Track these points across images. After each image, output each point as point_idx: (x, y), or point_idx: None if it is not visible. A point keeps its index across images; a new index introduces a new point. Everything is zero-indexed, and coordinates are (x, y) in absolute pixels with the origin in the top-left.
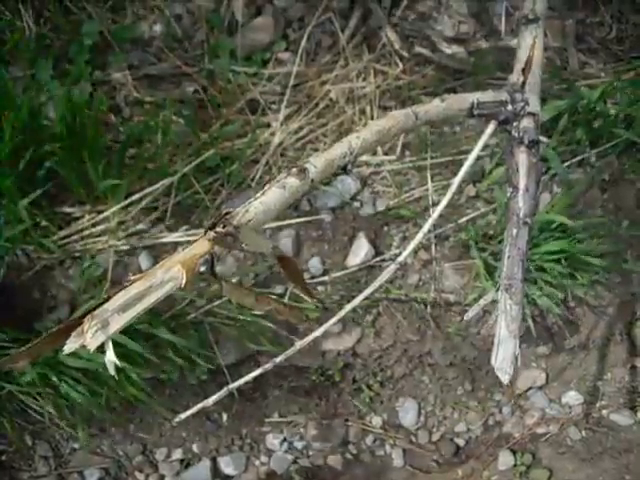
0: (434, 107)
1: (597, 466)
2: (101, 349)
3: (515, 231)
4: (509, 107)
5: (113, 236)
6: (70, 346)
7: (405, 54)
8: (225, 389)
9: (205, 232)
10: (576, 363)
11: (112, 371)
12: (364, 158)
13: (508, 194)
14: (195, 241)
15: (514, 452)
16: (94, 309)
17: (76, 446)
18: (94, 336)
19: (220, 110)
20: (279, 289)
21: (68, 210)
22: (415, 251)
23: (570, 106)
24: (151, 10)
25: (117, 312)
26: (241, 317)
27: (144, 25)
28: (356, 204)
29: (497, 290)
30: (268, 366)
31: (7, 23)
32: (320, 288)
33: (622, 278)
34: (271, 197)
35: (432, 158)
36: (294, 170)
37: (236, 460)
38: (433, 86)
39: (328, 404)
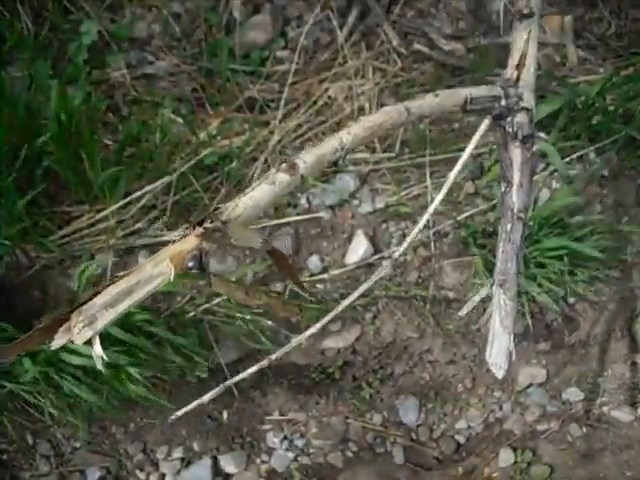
0: (427, 102)
1: (598, 462)
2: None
3: (509, 226)
4: (503, 102)
5: (112, 235)
6: (58, 341)
7: (403, 51)
8: (222, 386)
9: (193, 227)
10: (576, 360)
11: (100, 366)
12: (363, 155)
13: (502, 189)
14: (184, 236)
15: (515, 449)
16: (82, 304)
17: (77, 445)
18: (81, 331)
19: (218, 108)
20: (278, 287)
21: (67, 209)
22: (414, 248)
23: (569, 102)
24: (149, 9)
25: (105, 307)
26: (240, 315)
27: (142, 24)
28: (355, 202)
29: (491, 286)
30: (264, 363)
31: (6, 23)
32: (319, 286)
33: (622, 274)
34: (261, 193)
35: (431, 155)
36: (284, 165)
37: (237, 458)
38: (432, 83)
39: (328, 402)
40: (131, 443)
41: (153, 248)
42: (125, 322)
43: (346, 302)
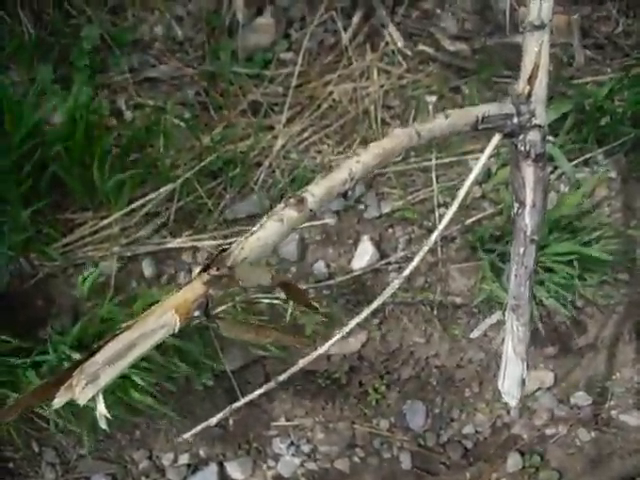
0: (438, 124)
1: (606, 467)
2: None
3: (522, 249)
4: (515, 120)
5: (116, 242)
6: (59, 400)
7: (409, 53)
8: (228, 409)
9: (199, 274)
10: (585, 364)
11: (104, 425)
12: None
13: (514, 210)
14: (188, 283)
15: (523, 454)
16: (84, 361)
17: (83, 452)
18: (84, 390)
19: (222, 112)
20: (284, 296)
21: (70, 216)
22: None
23: (576, 104)
24: (151, 12)
25: (107, 364)
26: (246, 322)
27: (144, 27)
28: (361, 207)
29: (503, 310)
30: (271, 384)
31: (6, 27)
32: (325, 292)
33: (631, 277)
34: (268, 232)
35: (437, 159)
36: (292, 201)
37: (243, 464)
38: (437, 84)
39: (335, 407)
40: (137, 450)
41: (157, 255)
42: None
43: (357, 319)
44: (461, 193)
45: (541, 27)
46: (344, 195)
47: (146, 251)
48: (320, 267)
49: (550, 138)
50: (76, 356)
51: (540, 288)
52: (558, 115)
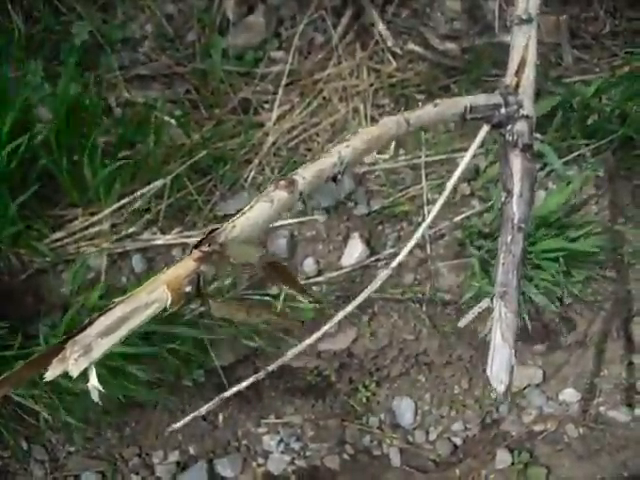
0: (426, 113)
1: (595, 463)
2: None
3: (509, 237)
4: (502, 110)
5: (106, 238)
6: (52, 373)
7: (398, 51)
8: (218, 398)
9: (190, 251)
10: (573, 360)
11: (96, 398)
12: None
13: (502, 199)
14: (180, 260)
15: (512, 450)
16: (76, 334)
17: (72, 450)
18: (77, 362)
19: (212, 110)
20: (274, 290)
21: (60, 213)
22: (410, 250)
23: (565, 102)
24: (142, 10)
25: (100, 336)
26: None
27: (135, 25)
28: (350, 204)
29: (492, 297)
30: (261, 374)
31: None
32: (315, 288)
33: (618, 274)
34: (258, 212)
35: (426, 156)
36: (282, 183)
37: (233, 462)
38: (427, 83)
39: (324, 404)
40: (126, 447)
41: (147, 251)
42: None
43: (342, 313)
44: (451, 182)
45: (528, 21)
46: (334, 179)
47: (136, 247)
48: (310, 264)
49: (538, 136)
50: None
51: (529, 284)
52: (546, 112)
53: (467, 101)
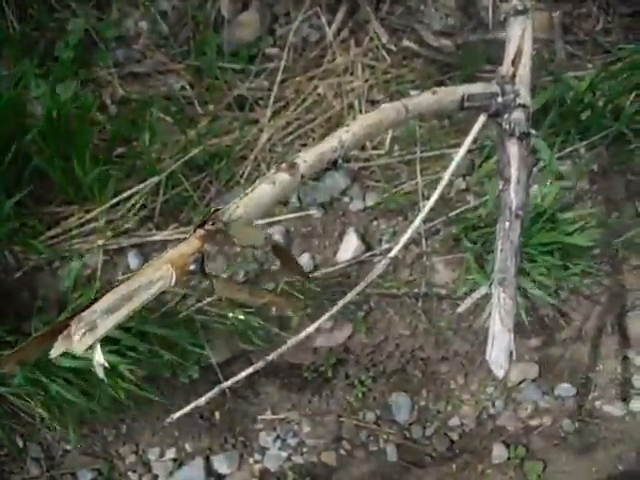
0: (425, 100)
1: (590, 457)
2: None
3: (507, 224)
4: (499, 99)
5: (101, 235)
6: (57, 349)
7: (393, 48)
8: (216, 389)
9: (194, 230)
10: (568, 355)
11: (101, 374)
12: (353, 153)
13: (499, 187)
14: (185, 239)
15: (508, 445)
16: (81, 311)
17: (68, 447)
18: (82, 339)
19: (207, 107)
20: (270, 285)
21: (56, 210)
22: (406, 245)
23: (558, 98)
24: (136, 7)
25: (105, 314)
26: (232, 315)
27: (129, 22)
28: (346, 199)
29: (490, 284)
30: (259, 365)
31: None
32: (310, 284)
33: (613, 268)
34: (261, 193)
35: (421, 152)
36: (284, 165)
37: (229, 458)
38: (421, 80)
39: (321, 400)
40: (123, 445)
41: (143, 248)
42: None
43: (341, 302)
44: (448, 172)
45: (524, 12)
46: (334, 163)
47: (132, 244)
48: (306, 259)
49: (533, 131)
50: None
51: (524, 279)
52: (539, 107)
53: (464, 89)
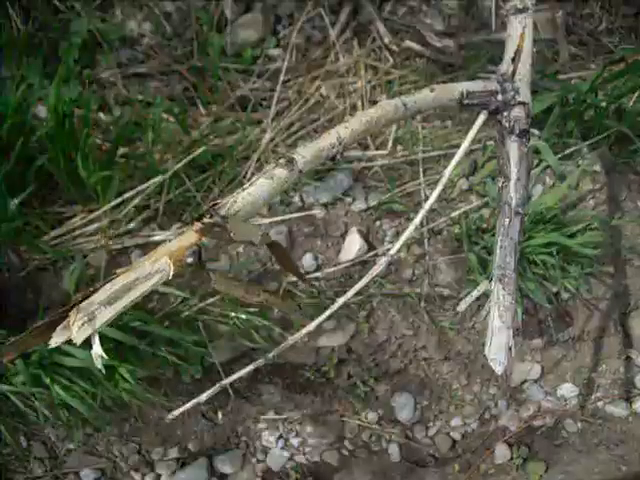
0: (423, 97)
1: (593, 457)
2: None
3: (507, 221)
4: (499, 97)
5: (105, 235)
6: (56, 339)
7: (395, 48)
8: (217, 385)
9: (192, 223)
10: (571, 355)
11: (99, 364)
12: (356, 153)
13: (499, 184)
14: (182, 232)
15: (510, 445)
16: (80, 302)
17: (71, 447)
18: (80, 329)
19: (210, 107)
20: (273, 285)
21: (59, 210)
22: (408, 246)
23: (561, 98)
24: (140, 8)
25: (104, 305)
26: (234, 315)
27: (133, 23)
28: (348, 199)
29: (490, 280)
30: (260, 361)
31: None
32: (313, 283)
33: (615, 270)
34: (259, 188)
35: (424, 152)
36: (282, 161)
37: (232, 458)
38: (424, 80)
39: (323, 400)
40: (126, 444)
41: (146, 248)
42: (119, 322)
43: (343, 299)
44: (449, 169)
45: (525, 10)
46: (332, 159)
47: (135, 243)
48: (308, 259)
49: (535, 132)
50: (65, 346)
51: (526, 280)
52: (542, 108)
53: (463, 87)
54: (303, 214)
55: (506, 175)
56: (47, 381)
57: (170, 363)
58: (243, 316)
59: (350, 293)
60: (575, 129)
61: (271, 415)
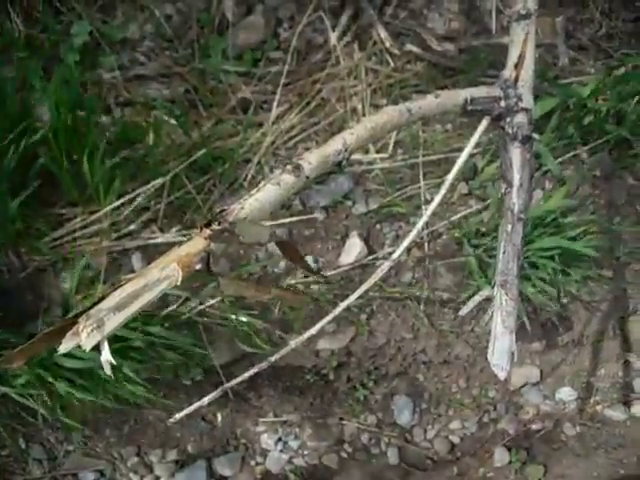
0: (428, 103)
1: (591, 461)
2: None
3: (510, 227)
4: (502, 103)
5: (105, 237)
6: (65, 346)
7: (396, 52)
8: (220, 389)
9: (200, 229)
10: (570, 359)
11: (108, 371)
12: (356, 156)
13: (502, 190)
14: (190, 239)
15: (509, 449)
16: (89, 308)
17: (70, 448)
18: (89, 336)
19: (211, 110)
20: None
21: (60, 211)
22: (408, 249)
23: (561, 103)
24: (141, 10)
25: (112, 311)
26: (235, 317)
27: (134, 25)
28: (349, 203)
29: (492, 286)
30: (263, 365)
31: None
32: (314, 287)
33: (615, 274)
34: (266, 194)
35: (424, 156)
36: (289, 167)
37: (231, 460)
38: (424, 84)
39: (323, 403)
40: (125, 446)
41: (146, 250)
42: None
43: (345, 303)
44: (451, 175)
45: (527, 16)
46: (338, 165)
47: (135, 245)
48: (309, 262)
49: (536, 136)
50: None
51: (526, 283)
52: (542, 112)
53: (467, 93)
54: (304, 217)
55: (509, 181)
56: (48, 381)
57: (170, 365)
58: (243, 318)
59: (351, 298)
60: (575, 133)
61: (270, 417)
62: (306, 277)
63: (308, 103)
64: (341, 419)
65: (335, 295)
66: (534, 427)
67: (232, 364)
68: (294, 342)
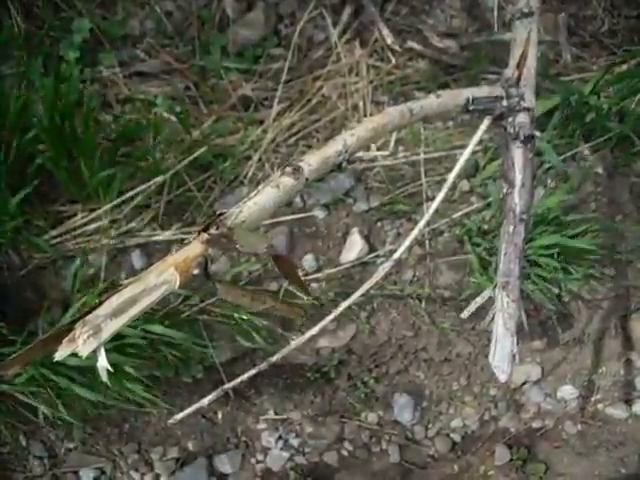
0: (429, 103)
1: (593, 459)
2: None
3: (512, 228)
4: (504, 102)
5: (105, 235)
6: (62, 353)
7: (397, 49)
8: (219, 390)
9: (198, 234)
10: (571, 357)
11: (104, 377)
12: (357, 154)
13: (504, 190)
14: (188, 243)
15: (510, 447)
16: (86, 314)
17: (71, 446)
18: (86, 342)
19: (212, 107)
20: (273, 286)
21: (60, 209)
22: (409, 247)
23: (563, 100)
24: (141, 6)
25: (109, 317)
26: (235, 315)
27: (134, 22)
28: (350, 200)
29: (494, 287)
30: (263, 366)
31: None
32: (314, 285)
33: (616, 272)
34: (265, 197)
35: (425, 153)
36: (288, 169)
37: (232, 458)
38: (426, 81)
39: (323, 401)
40: (126, 443)
41: (147, 247)
42: None
43: (346, 303)
44: (453, 173)
45: (529, 14)
46: (339, 166)
47: (136, 243)
48: (309, 260)
49: (538, 133)
50: None
51: (527, 281)
52: (545, 110)
53: (469, 92)
54: (304, 215)
55: (510, 181)
56: (49, 379)
57: (170, 363)
58: (244, 316)
59: (352, 298)
60: (577, 131)
61: (271, 415)
62: (305, 276)
63: (309, 100)
64: (342, 417)
65: (336, 293)
66: (535, 425)
67: (233, 362)
68: (295, 342)
